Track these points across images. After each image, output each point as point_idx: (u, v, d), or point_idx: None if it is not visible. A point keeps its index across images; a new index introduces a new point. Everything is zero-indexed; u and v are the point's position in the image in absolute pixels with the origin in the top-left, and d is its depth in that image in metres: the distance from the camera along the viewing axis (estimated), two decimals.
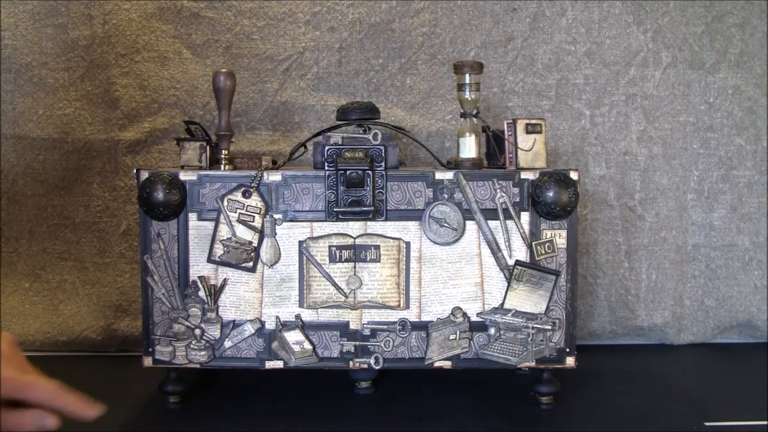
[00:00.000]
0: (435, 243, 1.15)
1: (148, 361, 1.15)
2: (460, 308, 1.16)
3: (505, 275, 1.16)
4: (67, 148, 1.48)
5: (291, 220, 1.15)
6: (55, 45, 1.47)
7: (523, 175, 1.15)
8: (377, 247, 1.15)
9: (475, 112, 1.19)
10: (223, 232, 1.15)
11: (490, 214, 1.15)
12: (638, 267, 1.53)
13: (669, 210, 1.52)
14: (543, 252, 1.15)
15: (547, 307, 1.15)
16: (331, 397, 1.20)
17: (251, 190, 1.14)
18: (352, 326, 1.16)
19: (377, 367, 1.16)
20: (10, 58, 1.47)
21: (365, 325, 1.16)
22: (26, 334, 1.45)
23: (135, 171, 1.14)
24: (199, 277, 1.15)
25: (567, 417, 1.14)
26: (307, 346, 1.15)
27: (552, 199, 1.12)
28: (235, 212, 1.14)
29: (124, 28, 1.47)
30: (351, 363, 1.16)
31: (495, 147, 1.22)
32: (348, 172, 1.14)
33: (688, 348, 1.53)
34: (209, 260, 1.15)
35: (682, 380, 1.33)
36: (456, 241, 1.15)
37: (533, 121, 1.17)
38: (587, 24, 1.50)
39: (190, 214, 1.15)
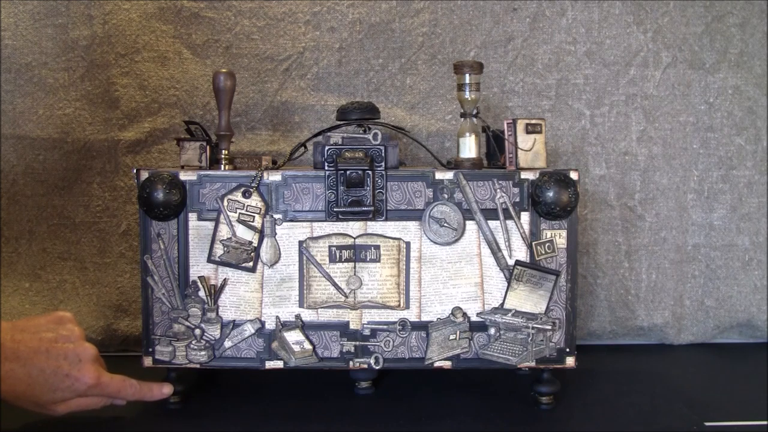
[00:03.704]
0: (435, 243, 1.15)
1: (148, 361, 1.15)
2: (460, 308, 1.16)
3: (505, 275, 1.16)
4: (67, 148, 1.48)
5: (291, 220, 1.15)
6: (55, 45, 1.47)
7: (523, 175, 1.15)
8: (377, 247, 1.15)
9: (475, 112, 1.19)
10: (223, 232, 1.15)
11: (490, 214, 1.15)
12: (638, 267, 1.53)
13: (669, 210, 1.52)
14: (543, 252, 1.15)
15: (547, 307, 1.15)
16: (331, 397, 1.20)
17: (251, 190, 1.14)
18: (352, 326, 1.16)
19: (377, 367, 1.16)
20: (10, 58, 1.47)
21: (365, 325, 1.16)
22: None
23: (135, 171, 1.14)
24: (199, 277, 1.15)
25: (567, 417, 1.14)
26: (307, 346, 1.15)
27: (552, 199, 1.12)
28: (235, 212, 1.14)
29: (124, 28, 1.47)
30: (351, 363, 1.16)
31: (495, 147, 1.22)
32: (348, 172, 1.14)
33: (688, 348, 1.53)
34: (209, 260, 1.15)
35: (682, 380, 1.33)
36: (456, 241, 1.15)
37: (533, 121, 1.17)
38: (587, 24, 1.50)
39: (190, 214, 1.15)
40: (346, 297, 1.15)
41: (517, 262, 1.15)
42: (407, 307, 1.16)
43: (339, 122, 1.20)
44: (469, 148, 1.19)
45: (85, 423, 1.07)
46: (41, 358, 0.98)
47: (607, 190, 1.52)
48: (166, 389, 1.12)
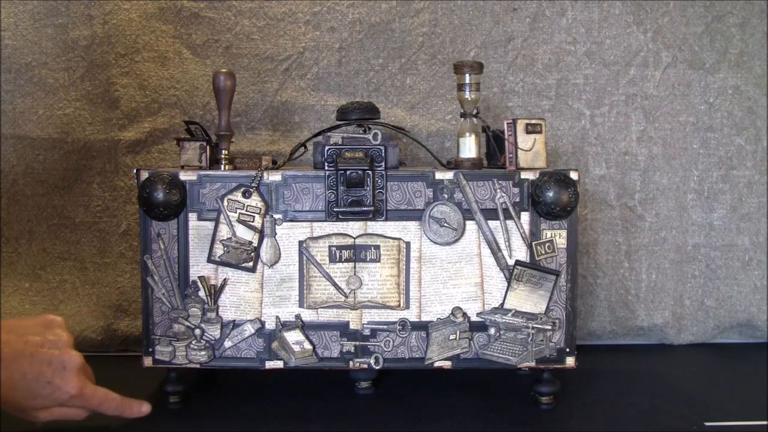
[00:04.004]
0: (435, 243, 1.15)
1: (148, 361, 1.15)
2: (460, 308, 1.16)
3: (505, 275, 1.16)
4: (67, 148, 1.48)
5: (291, 220, 1.15)
6: (55, 45, 1.47)
7: (523, 175, 1.15)
8: (377, 247, 1.15)
9: (475, 112, 1.19)
10: (223, 232, 1.15)
11: (490, 214, 1.15)
12: (638, 267, 1.53)
13: (669, 210, 1.52)
14: (543, 252, 1.15)
15: (547, 307, 1.15)
16: (331, 397, 1.20)
17: (251, 190, 1.14)
18: (352, 326, 1.16)
19: (377, 367, 1.16)
20: (10, 58, 1.47)
21: (365, 325, 1.16)
22: None
23: (135, 171, 1.14)
24: (199, 277, 1.15)
25: (567, 417, 1.14)
26: (307, 346, 1.15)
27: (552, 199, 1.12)
28: (235, 212, 1.14)
29: (124, 28, 1.47)
30: (351, 363, 1.16)
31: (495, 147, 1.22)
32: (348, 172, 1.14)
33: (688, 348, 1.53)
34: (209, 260, 1.15)
35: (682, 380, 1.33)
36: (456, 241, 1.15)
37: (533, 121, 1.17)
38: (587, 24, 1.50)
39: (190, 214, 1.15)
40: (346, 297, 1.15)
41: (517, 262, 1.15)
42: (407, 307, 1.16)
43: (339, 122, 1.20)
44: (469, 148, 1.19)
45: (85, 423, 1.07)
46: (24, 362, 0.94)
47: (607, 190, 1.52)
48: (145, 408, 1.07)
